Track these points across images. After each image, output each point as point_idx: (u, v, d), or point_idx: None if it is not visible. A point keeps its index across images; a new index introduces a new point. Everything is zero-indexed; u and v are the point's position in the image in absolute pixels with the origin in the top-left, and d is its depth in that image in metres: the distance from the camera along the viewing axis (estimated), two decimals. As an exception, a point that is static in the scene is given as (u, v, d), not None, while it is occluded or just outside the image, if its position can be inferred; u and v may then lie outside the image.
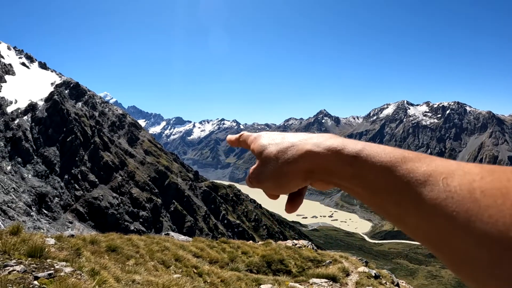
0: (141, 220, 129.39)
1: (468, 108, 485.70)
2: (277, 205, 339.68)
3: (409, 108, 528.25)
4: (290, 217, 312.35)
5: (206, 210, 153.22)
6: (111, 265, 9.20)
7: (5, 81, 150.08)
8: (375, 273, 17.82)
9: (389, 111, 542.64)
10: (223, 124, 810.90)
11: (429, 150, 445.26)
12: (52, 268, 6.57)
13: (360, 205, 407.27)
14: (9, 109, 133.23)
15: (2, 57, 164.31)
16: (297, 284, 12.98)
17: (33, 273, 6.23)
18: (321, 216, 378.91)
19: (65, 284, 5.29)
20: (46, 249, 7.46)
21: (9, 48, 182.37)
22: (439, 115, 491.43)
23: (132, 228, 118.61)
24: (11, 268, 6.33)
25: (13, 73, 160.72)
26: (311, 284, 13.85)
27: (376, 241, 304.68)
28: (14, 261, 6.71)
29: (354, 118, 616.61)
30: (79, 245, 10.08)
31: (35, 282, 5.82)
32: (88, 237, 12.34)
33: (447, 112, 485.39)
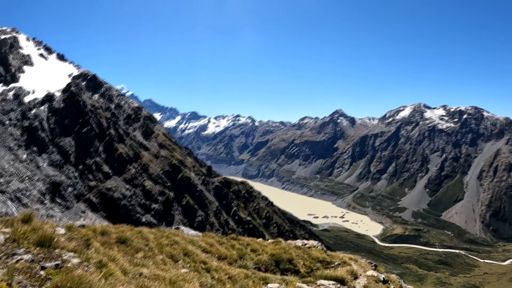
0: (152, 212, 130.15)
1: (485, 114, 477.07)
2: (289, 204, 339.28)
3: (426, 111, 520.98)
4: (301, 216, 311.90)
5: (218, 206, 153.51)
6: (119, 257, 9.21)
7: (23, 72, 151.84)
8: (383, 278, 17.68)
9: (405, 113, 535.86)
10: (238, 120, 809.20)
11: (444, 155, 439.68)
12: (59, 259, 6.58)
13: (372, 207, 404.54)
14: (27, 99, 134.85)
15: (21, 48, 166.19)
16: (304, 285, 12.91)
17: (40, 262, 6.25)
18: (332, 216, 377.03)
19: (71, 276, 5.29)
20: (56, 239, 7.48)
21: (28, 39, 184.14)
22: (456, 120, 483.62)
23: (143, 220, 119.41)
24: (19, 257, 6.36)
25: (31, 64, 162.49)
26: (319, 285, 13.77)
27: (387, 244, 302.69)
28: (23, 250, 6.74)
29: (369, 119, 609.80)
30: (89, 236, 10.11)
31: (42, 272, 5.83)
32: (99, 228, 12.39)
33: (464, 116, 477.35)
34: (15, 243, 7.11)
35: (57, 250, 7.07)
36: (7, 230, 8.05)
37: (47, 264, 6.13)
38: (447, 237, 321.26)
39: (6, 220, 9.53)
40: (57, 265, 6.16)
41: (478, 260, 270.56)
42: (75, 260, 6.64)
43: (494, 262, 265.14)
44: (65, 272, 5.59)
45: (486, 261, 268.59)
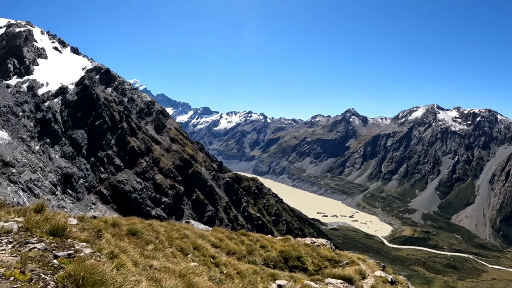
0: (162, 206, 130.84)
1: (499, 117, 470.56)
2: (298, 201, 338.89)
3: (439, 113, 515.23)
4: (311, 214, 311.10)
5: (228, 201, 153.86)
6: (130, 248, 9.30)
7: (38, 64, 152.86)
8: (391, 279, 17.64)
9: (418, 114, 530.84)
10: (250, 116, 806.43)
11: (457, 157, 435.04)
12: (72, 248, 6.66)
13: (382, 208, 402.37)
14: (40, 91, 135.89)
15: (36, 41, 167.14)
16: (312, 283, 12.92)
17: (53, 251, 6.32)
18: (341, 215, 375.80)
19: (84, 265, 5.35)
20: (68, 229, 7.57)
21: (42, 33, 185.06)
22: (469, 122, 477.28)
23: (153, 213, 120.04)
24: (32, 246, 6.44)
25: (45, 57, 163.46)
26: (326, 284, 13.78)
27: (395, 246, 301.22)
28: (36, 238, 6.83)
29: (382, 119, 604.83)
30: (101, 227, 10.21)
31: (55, 261, 5.90)
32: (110, 220, 12.51)
33: (478, 119, 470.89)
34: (28, 232, 7.21)
35: (69, 240, 7.15)
36: (20, 219, 8.17)
37: (60, 253, 6.20)
38: (456, 240, 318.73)
39: (18, 210, 9.68)
40: (69, 254, 6.23)
41: (486, 266, 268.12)
42: (88, 250, 6.72)
43: (503, 268, 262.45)
44: (78, 261, 5.66)
45: (494, 266, 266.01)
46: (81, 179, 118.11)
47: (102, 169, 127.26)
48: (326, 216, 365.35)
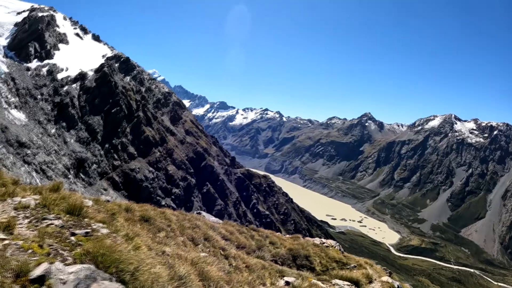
0: (173, 197, 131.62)
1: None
2: (308, 202, 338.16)
3: (456, 123, 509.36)
4: (319, 216, 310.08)
5: (238, 197, 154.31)
6: (143, 233, 9.37)
7: (58, 49, 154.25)
8: (398, 285, 17.53)
9: (435, 123, 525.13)
10: (266, 114, 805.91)
11: (471, 170, 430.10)
12: (89, 227, 6.73)
13: (391, 215, 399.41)
14: (60, 76, 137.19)
15: (57, 26, 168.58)
16: (319, 283, 12.91)
17: (70, 229, 6.40)
18: (350, 220, 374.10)
19: (102, 244, 5.41)
20: (85, 209, 7.65)
21: (65, 18, 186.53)
22: (486, 135, 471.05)
23: (163, 203, 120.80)
24: (49, 222, 6.53)
25: (66, 42, 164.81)
26: (333, 284, 13.76)
27: (401, 255, 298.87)
28: (53, 215, 6.91)
29: (398, 126, 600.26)
30: (115, 210, 10.29)
31: (72, 238, 5.97)
32: (124, 205, 12.59)
33: (495, 132, 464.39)
34: (45, 208, 7.30)
35: (86, 219, 7.23)
36: (36, 196, 8.27)
37: (78, 231, 6.28)
38: (464, 254, 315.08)
39: (34, 188, 9.80)
40: (87, 233, 6.30)
41: (491, 282, 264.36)
42: (104, 231, 6.79)
43: (508, 286, 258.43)
44: (95, 240, 5.73)
45: (500, 284, 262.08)
46: (94, 165, 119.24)
47: (116, 156, 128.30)
48: (335, 219, 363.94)
